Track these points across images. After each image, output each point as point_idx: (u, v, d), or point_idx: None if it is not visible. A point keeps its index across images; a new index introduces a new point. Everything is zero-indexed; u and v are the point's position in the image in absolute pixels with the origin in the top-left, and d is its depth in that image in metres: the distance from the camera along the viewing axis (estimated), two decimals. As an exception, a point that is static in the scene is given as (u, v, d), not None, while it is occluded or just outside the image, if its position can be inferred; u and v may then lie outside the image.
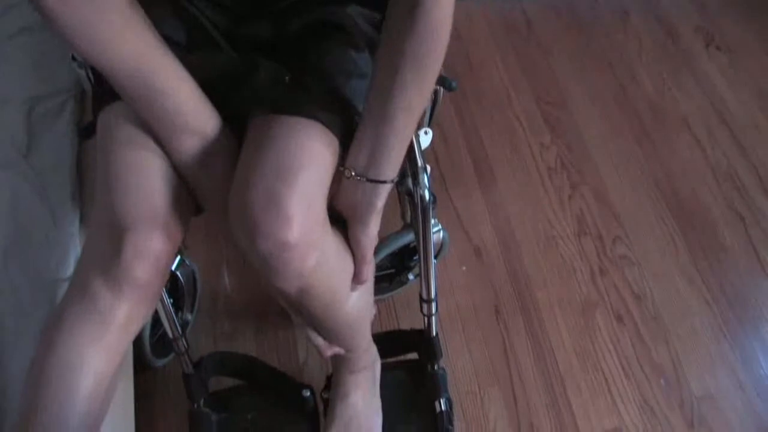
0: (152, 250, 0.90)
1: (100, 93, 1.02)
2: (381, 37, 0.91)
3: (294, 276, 0.92)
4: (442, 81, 1.12)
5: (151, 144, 0.95)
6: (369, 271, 1.04)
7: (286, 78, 0.96)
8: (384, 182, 0.94)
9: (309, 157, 0.91)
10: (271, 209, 0.86)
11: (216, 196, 0.97)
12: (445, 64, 1.29)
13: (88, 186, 1.25)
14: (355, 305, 1.10)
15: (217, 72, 0.98)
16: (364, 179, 0.93)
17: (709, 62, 1.95)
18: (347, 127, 0.95)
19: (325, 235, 0.95)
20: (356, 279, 1.03)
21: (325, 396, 1.28)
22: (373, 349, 1.27)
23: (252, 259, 0.90)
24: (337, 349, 1.18)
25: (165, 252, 0.92)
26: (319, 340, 1.17)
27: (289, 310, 1.10)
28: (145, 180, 0.93)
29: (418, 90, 0.90)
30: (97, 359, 0.90)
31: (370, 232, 0.99)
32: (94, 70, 1.09)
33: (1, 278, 1.11)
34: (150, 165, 0.94)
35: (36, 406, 0.88)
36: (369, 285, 1.15)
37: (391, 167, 0.94)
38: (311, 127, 0.93)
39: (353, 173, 0.93)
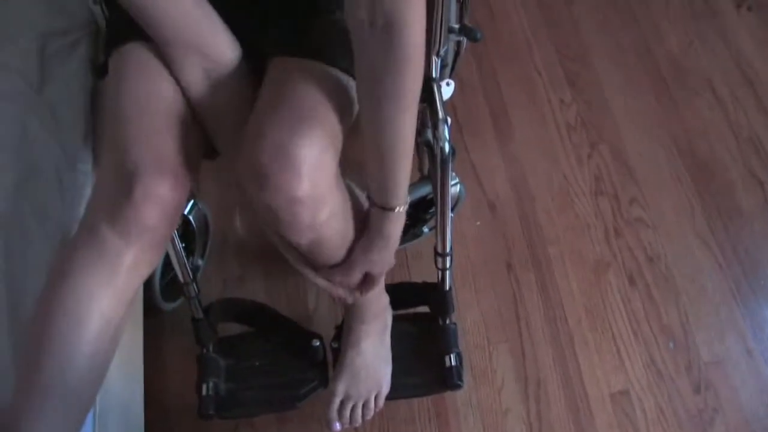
0: (162, 194, 0.89)
1: (114, 32, 1.00)
2: (356, 68, 0.86)
3: (304, 229, 0.91)
4: (467, 31, 1.09)
5: (164, 83, 0.94)
6: (341, 295, 1.08)
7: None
8: (391, 209, 0.95)
9: (326, 108, 0.89)
10: (281, 162, 0.84)
11: (228, 134, 0.95)
12: (467, 12, 1.23)
13: (102, 126, 1.23)
14: None
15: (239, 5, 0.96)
16: (375, 206, 0.96)
17: (739, 22, 1.89)
18: None
19: (337, 188, 0.93)
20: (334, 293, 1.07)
21: (335, 345, 1.28)
22: (385, 299, 1.27)
23: (260, 210, 0.89)
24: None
25: (175, 197, 0.91)
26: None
27: (283, 249, 1.07)
28: (155, 120, 0.92)
29: (402, 117, 0.86)
30: (106, 302, 0.89)
31: (370, 255, 1.01)
32: (108, 5, 1.06)
33: (11, 216, 1.10)
34: (161, 104, 0.93)
35: (43, 346, 0.87)
36: None
37: (394, 194, 0.95)
38: (331, 74, 0.91)
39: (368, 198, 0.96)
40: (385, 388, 1.27)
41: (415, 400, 1.43)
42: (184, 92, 0.95)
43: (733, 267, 1.58)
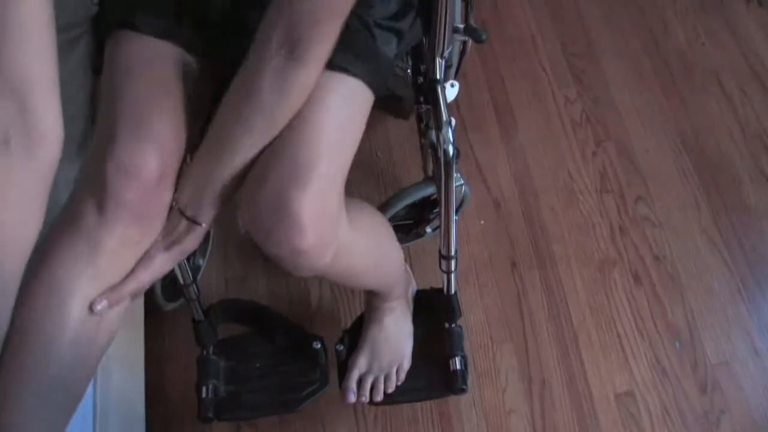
0: (140, 166, 0.84)
1: (104, 17, 0.97)
2: (241, 74, 0.84)
3: (309, 271, 0.91)
4: (471, 32, 1.07)
5: (163, 70, 0.90)
6: (131, 288, 0.89)
7: None
8: (196, 224, 0.88)
9: (331, 136, 0.86)
10: (282, 217, 0.83)
11: None
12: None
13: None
14: (379, 265, 1.10)
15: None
16: (182, 214, 0.88)
17: (748, 16, 1.87)
18: (377, 74, 0.90)
19: (341, 225, 0.92)
20: (115, 289, 0.88)
21: (340, 348, 1.27)
22: (405, 279, 1.27)
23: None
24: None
25: (153, 167, 0.85)
26: None
27: None
28: (143, 87, 0.88)
29: (260, 138, 0.84)
30: (87, 284, 0.85)
31: (163, 260, 0.90)
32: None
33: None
34: (153, 70, 0.89)
35: (24, 328, 0.83)
36: (391, 235, 1.14)
37: (208, 210, 0.88)
38: (339, 87, 0.87)
39: (176, 205, 0.88)
40: (407, 363, 1.26)
41: (419, 401, 1.43)
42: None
43: (740, 265, 1.56)
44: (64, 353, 0.84)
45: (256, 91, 0.82)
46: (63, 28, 1.25)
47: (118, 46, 0.92)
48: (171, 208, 0.89)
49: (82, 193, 0.86)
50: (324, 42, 0.80)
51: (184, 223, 0.88)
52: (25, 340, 0.83)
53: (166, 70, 0.91)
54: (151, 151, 0.85)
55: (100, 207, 0.84)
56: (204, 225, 0.89)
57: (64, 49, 1.23)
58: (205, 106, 0.95)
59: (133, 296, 0.91)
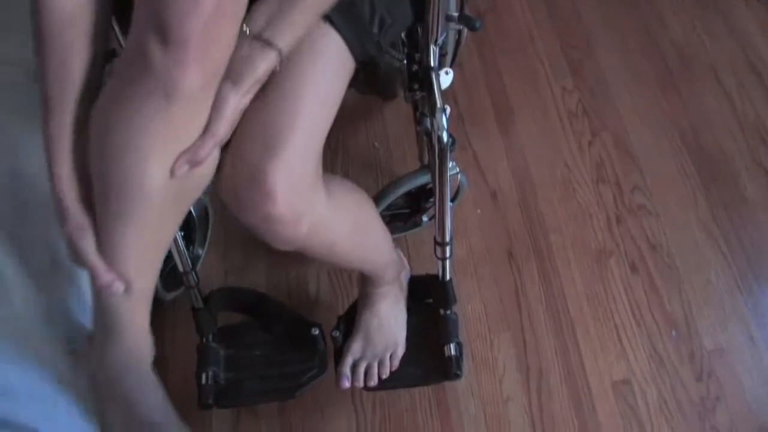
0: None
1: None
2: None
3: (287, 242, 0.91)
4: (465, 20, 1.08)
5: None
6: (209, 147, 0.85)
7: None
8: (272, 46, 0.82)
9: (306, 113, 0.87)
10: (255, 184, 0.84)
11: None
12: (468, -1, 1.23)
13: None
14: (361, 242, 1.09)
15: None
16: (256, 38, 0.83)
17: (746, 10, 1.87)
18: (358, 37, 0.89)
19: (317, 197, 0.92)
20: (193, 151, 0.84)
21: (335, 335, 1.28)
22: (398, 264, 1.27)
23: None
24: None
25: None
26: None
27: None
28: None
29: None
30: (164, 146, 0.82)
31: (237, 97, 0.84)
32: None
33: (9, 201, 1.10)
34: None
35: (109, 195, 0.85)
36: (374, 214, 1.14)
37: (286, 34, 0.83)
38: (323, 50, 0.88)
39: (248, 30, 0.83)
40: (401, 349, 1.27)
41: (416, 389, 1.43)
42: None
43: (737, 256, 1.57)
44: (150, 214, 0.87)
45: None
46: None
47: None
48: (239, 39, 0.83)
49: (142, 38, 0.78)
50: None
51: (257, 47, 0.83)
52: (111, 208, 0.85)
53: None
54: None
55: (164, 45, 0.77)
56: (281, 47, 0.83)
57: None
58: None
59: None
